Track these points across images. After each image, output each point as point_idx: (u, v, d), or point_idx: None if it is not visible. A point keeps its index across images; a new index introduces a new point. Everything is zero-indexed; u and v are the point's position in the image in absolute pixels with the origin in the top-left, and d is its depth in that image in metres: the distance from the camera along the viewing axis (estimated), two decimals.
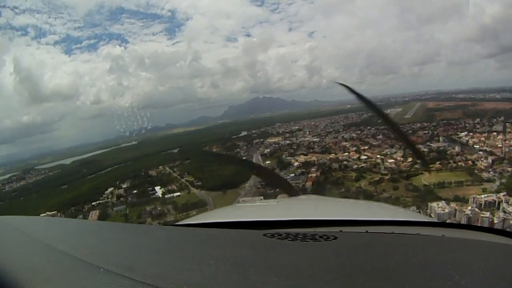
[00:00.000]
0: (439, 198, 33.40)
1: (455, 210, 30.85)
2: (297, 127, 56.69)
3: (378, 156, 44.02)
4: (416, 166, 39.19)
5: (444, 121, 49.54)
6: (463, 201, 32.84)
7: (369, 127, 51.62)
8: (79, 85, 75.80)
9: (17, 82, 67.02)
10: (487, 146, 41.20)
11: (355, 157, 44.71)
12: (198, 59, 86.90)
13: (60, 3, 69.93)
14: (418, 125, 50.60)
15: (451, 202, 32.22)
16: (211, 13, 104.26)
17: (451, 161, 39.83)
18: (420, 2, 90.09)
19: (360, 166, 42.97)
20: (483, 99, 55.60)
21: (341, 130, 53.56)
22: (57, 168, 55.01)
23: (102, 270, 1.02)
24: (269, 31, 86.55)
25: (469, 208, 31.02)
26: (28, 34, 64.37)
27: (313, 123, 57.98)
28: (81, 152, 60.39)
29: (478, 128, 45.43)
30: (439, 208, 30.91)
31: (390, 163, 41.61)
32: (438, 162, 39.86)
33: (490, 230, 2.09)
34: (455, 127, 47.49)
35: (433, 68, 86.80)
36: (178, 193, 41.89)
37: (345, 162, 44.10)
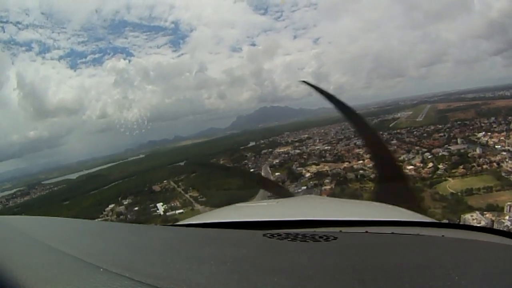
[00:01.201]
0: (470, 208, 29.69)
1: (492, 221, 27.18)
2: (306, 135, 54.41)
3: None
4: (439, 172, 35.34)
5: (458, 122, 46.65)
6: (497, 209, 29.04)
7: (381, 132, 48.12)
8: (84, 99, 74.92)
9: (23, 98, 65.82)
10: (509, 146, 37.90)
11: (370, 165, 40.75)
12: (204, 70, 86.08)
13: (63, 17, 69.45)
14: (432, 127, 47.70)
15: (485, 212, 28.47)
16: (215, 23, 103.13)
17: (474, 164, 36.28)
18: (425, 0, 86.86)
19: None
20: (492, 97, 53.91)
21: (353, 136, 49.32)
22: (63, 183, 53.53)
23: (102, 270, 1.01)
24: (274, 39, 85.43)
25: (507, 217, 27.38)
26: (33, 49, 63.53)
27: (322, 130, 55.52)
28: (89, 166, 59.38)
29: (495, 127, 42.55)
30: (473, 220, 27.15)
31: (410, 170, 37.63)
32: (461, 166, 36.45)
33: (490, 230, 1.99)
34: (471, 127, 44.60)
35: (441, 68, 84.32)
36: (181, 210, 39.08)
37: (360, 171, 40.49)
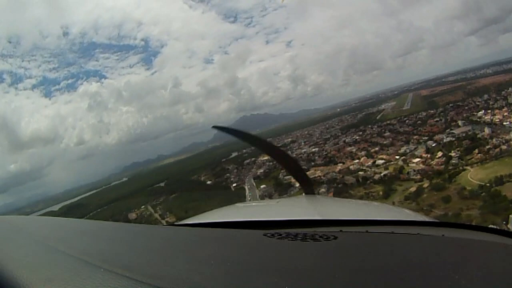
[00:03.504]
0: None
1: None
2: (290, 139, 49.67)
3: (397, 157, 33.61)
4: (453, 161, 28.13)
5: (450, 105, 42.47)
6: None
7: (370, 126, 44.24)
8: (59, 127, 69.53)
9: None
10: None
11: (369, 163, 34.00)
12: (179, 85, 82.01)
13: (31, 45, 65.14)
14: (424, 114, 43.10)
15: None
16: (185, 36, 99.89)
17: (489, 146, 30.08)
18: None
19: (382, 174, 31.81)
20: (474, 77, 50.66)
21: (340, 134, 45.38)
22: (46, 215, 47.19)
23: (102, 270, 0.98)
24: (246, 46, 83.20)
25: None
26: (4, 80, 58.89)
27: (306, 132, 50.86)
28: (74, 195, 55.18)
29: (492, 104, 38.21)
30: None
31: (417, 163, 30.92)
32: (476, 151, 30.02)
33: (490, 230, 1.93)
34: (466, 108, 40.39)
35: (417, 56, 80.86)
36: None
37: (360, 172, 33.53)
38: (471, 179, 26.47)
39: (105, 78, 70.73)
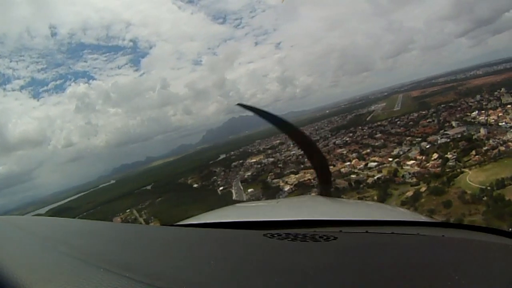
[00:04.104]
0: None
1: None
2: (278, 141, 48.47)
3: (390, 159, 31.88)
4: (450, 163, 26.28)
5: (442, 105, 41.90)
6: None
7: (360, 127, 43.10)
8: (47, 129, 73.78)
9: None
10: None
11: (361, 166, 32.28)
12: (167, 87, 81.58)
13: (19, 45, 64.48)
14: (416, 114, 42.22)
15: None
16: (174, 37, 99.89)
17: (486, 147, 28.63)
18: None
19: (375, 177, 30.17)
20: (465, 78, 51.29)
21: (330, 136, 44.23)
22: None
23: (102, 270, 0.95)
24: (235, 48, 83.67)
25: None
26: None
27: None
28: (63, 198, 56.67)
29: (486, 105, 37.45)
30: None
31: (412, 165, 29.06)
32: (473, 153, 28.55)
33: (490, 230, 1.88)
34: (458, 108, 39.69)
35: (408, 57, 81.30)
36: None
37: (352, 175, 31.86)
38: (470, 182, 24.95)
39: (94, 79, 70.81)
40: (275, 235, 1.35)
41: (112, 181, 59.71)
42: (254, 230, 1.67)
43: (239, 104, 3.60)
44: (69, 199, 55.35)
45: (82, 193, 56.75)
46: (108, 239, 1.58)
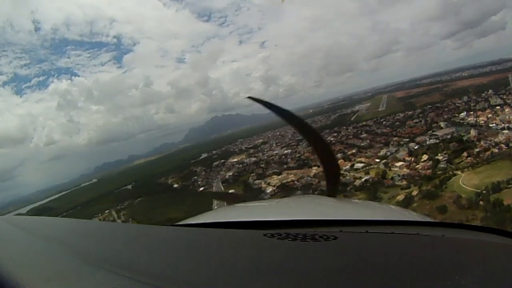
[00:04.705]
0: None
1: None
2: (261, 140, 47.41)
3: (378, 160, 30.32)
4: (441, 165, 24.79)
5: (429, 106, 41.04)
6: None
7: (345, 127, 41.90)
8: (29, 126, 72.33)
9: None
10: (504, 123, 30.51)
11: (347, 167, 30.40)
12: (150, 85, 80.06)
13: (2, 40, 63.27)
14: (402, 115, 41.25)
15: None
16: (158, 35, 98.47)
17: (478, 149, 27.28)
18: None
19: (363, 180, 28.42)
20: (450, 79, 50.87)
21: None
22: None
23: (102, 270, 0.98)
24: (219, 46, 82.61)
25: None
26: None
27: (278, 133, 48.40)
28: (44, 197, 55.77)
29: (474, 106, 36.65)
30: None
31: (401, 167, 27.43)
32: (464, 154, 27.15)
33: (490, 230, 1.84)
34: (446, 109, 38.88)
35: (392, 58, 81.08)
36: None
37: None
38: (464, 185, 23.47)
39: (77, 76, 69.77)
40: (275, 235, 1.34)
41: (94, 180, 58.67)
42: (254, 230, 1.65)
43: (250, 97, 3.41)
44: (50, 199, 54.49)
45: (64, 192, 55.81)
46: (108, 239, 1.57)
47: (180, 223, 2.39)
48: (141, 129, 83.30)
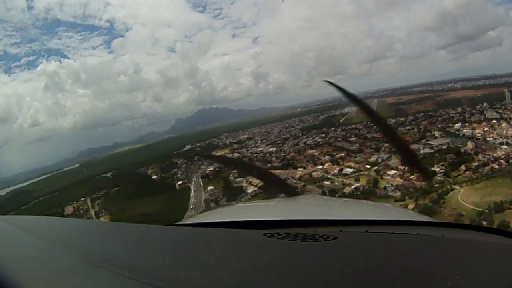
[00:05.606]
0: None
1: None
2: (246, 136, 45.50)
3: (368, 166, 28.05)
4: (439, 178, 22.99)
5: (421, 114, 39.90)
6: None
7: (333, 129, 40.40)
8: (14, 106, 69.89)
9: None
10: (502, 138, 29.17)
11: (335, 171, 28.25)
12: (139, 72, 77.23)
13: None
14: (393, 121, 39.46)
15: None
16: (151, 22, 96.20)
17: (476, 163, 25.42)
18: None
19: (353, 187, 26.21)
20: (443, 89, 50.16)
21: (300, 135, 41.01)
22: None
23: (102, 270, 0.98)
24: (212, 38, 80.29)
25: None
26: None
27: (264, 130, 47.05)
28: (25, 179, 54.13)
29: (469, 118, 35.45)
30: None
31: (394, 176, 25.03)
32: (462, 168, 25.28)
33: (490, 230, 1.84)
34: (439, 118, 37.55)
35: (384, 64, 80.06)
36: None
37: (326, 182, 27.79)
38: (463, 202, 21.54)
39: (66, 58, 68.75)
40: (275, 235, 1.33)
41: (76, 165, 57.36)
42: (254, 229, 1.64)
43: (327, 81, 3.23)
44: (31, 181, 52.90)
45: (45, 176, 54.68)
46: (108, 239, 1.56)
47: (180, 223, 2.35)
48: (127, 116, 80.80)
